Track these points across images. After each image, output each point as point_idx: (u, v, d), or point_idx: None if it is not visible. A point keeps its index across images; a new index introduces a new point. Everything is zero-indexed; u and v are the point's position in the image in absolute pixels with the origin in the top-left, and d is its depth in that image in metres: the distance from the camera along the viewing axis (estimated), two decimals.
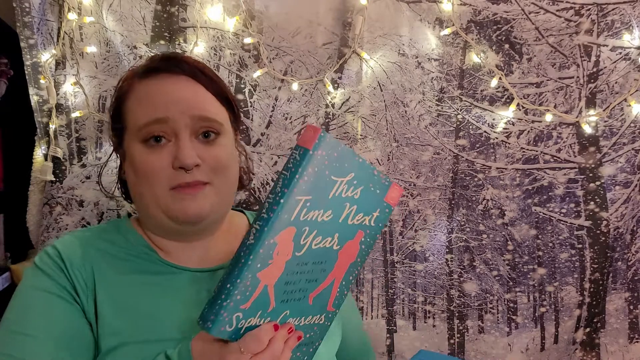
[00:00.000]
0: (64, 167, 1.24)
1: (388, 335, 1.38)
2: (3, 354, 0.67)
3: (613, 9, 1.33)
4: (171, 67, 0.77)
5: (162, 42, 1.27)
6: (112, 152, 0.86)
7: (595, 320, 1.38)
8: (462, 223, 1.38)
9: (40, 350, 0.68)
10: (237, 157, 0.84)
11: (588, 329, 1.38)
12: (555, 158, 1.36)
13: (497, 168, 1.37)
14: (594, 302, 1.37)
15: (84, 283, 0.74)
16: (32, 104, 1.23)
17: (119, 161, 0.86)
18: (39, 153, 1.24)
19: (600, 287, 1.37)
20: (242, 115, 0.94)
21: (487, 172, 1.37)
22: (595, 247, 1.36)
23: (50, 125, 1.23)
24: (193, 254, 0.81)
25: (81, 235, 0.80)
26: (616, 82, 1.35)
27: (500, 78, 1.33)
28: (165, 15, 1.27)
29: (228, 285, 0.58)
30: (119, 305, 0.73)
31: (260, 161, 1.32)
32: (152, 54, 1.26)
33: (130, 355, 0.69)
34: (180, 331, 0.72)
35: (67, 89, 1.24)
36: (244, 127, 1.32)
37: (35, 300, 0.72)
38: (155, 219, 0.77)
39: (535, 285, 1.38)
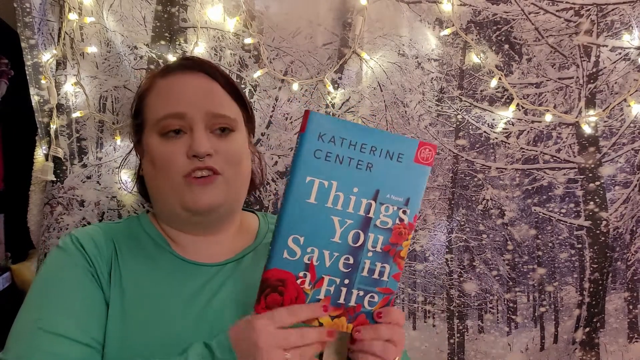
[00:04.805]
0: (64, 167, 1.24)
1: None
2: (41, 350, 0.69)
3: (613, 9, 1.33)
4: (190, 66, 0.82)
5: (162, 42, 1.28)
6: (131, 149, 0.90)
7: (594, 320, 1.38)
8: (462, 223, 1.38)
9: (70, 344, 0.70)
10: (249, 155, 0.87)
11: (587, 329, 1.38)
12: (555, 158, 1.37)
13: (497, 168, 1.37)
14: (594, 302, 1.37)
15: (105, 268, 0.77)
16: (32, 104, 1.23)
17: (138, 160, 0.90)
18: (39, 153, 1.24)
19: (600, 287, 1.37)
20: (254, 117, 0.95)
21: (486, 172, 1.37)
22: (595, 247, 1.37)
23: (51, 125, 1.23)
24: (205, 249, 0.84)
25: (103, 226, 0.84)
26: (616, 83, 1.35)
27: (500, 78, 1.33)
28: (165, 16, 1.27)
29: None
30: (131, 295, 0.76)
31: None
32: (153, 53, 1.26)
33: (138, 346, 0.71)
34: (188, 321, 0.74)
35: (68, 89, 1.25)
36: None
37: (63, 276, 0.75)
38: (171, 210, 0.81)
39: (535, 285, 1.38)
